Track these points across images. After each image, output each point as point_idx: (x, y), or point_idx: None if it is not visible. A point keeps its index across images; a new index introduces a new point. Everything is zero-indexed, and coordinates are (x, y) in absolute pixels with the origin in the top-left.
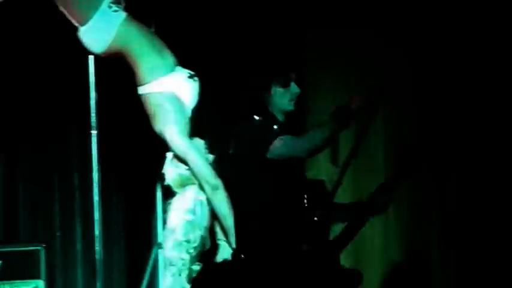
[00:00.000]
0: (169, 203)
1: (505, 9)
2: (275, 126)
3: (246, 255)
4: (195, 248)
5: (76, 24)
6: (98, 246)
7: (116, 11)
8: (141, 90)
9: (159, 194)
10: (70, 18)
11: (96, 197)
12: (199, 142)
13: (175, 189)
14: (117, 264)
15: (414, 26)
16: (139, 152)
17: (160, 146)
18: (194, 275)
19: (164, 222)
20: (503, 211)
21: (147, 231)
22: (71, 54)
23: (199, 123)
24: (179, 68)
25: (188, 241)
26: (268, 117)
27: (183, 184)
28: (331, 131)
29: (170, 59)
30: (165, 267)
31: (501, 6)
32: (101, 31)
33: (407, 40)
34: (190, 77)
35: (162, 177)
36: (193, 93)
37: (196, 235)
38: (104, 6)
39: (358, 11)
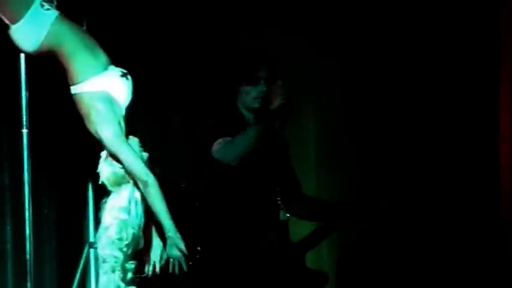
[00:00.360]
0: (105, 202)
1: (431, 11)
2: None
3: (203, 249)
4: (127, 245)
5: (7, 23)
6: (28, 246)
7: (48, 9)
8: (74, 89)
9: (90, 193)
10: (1, 16)
11: (26, 197)
12: (134, 140)
13: (110, 188)
14: (49, 264)
15: (341, 27)
16: (71, 151)
17: (93, 145)
18: (129, 273)
19: (99, 220)
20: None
21: (78, 230)
22: (2, 52)
23: (133, 122)
24: (112, 67)
25: (120, 239)
26: (235, 114)
27: (118, 183)
28: (256, 134)
29: (103, 57)
30: (98, 265)
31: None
32: (32, 29)
33: (334, 41)
34: (123, 75)
35: (97, 176)
36: (126, 91)
37: (129, 233)
38: (36, 4)
39: (282, 13)
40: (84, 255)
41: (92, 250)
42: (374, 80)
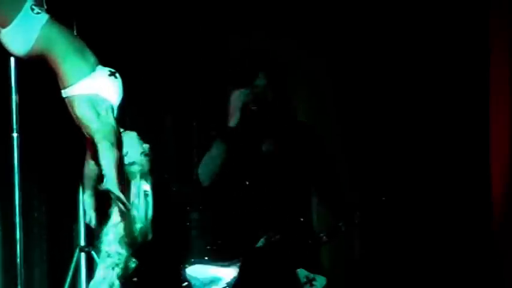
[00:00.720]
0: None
1: (420, 13)
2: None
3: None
4: (134, 239)
5: None
6: (18, 250)
7: (38, 13)
8: (65, 93)
9: (81, 197)
10: None
11: (17, 200)
12: (133, 134)
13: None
14: (39, 268)
15: (331, 29)
16: (61, 154)
17: (84, 148)
18: (130, 272)
19: (89, 224)
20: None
21: (69, 234)
22: None
23: (123, 124)
24: (100, 67)
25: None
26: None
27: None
28: (220, 150)
29: (91, 59)
30: (100, 259)
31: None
32: (23, 33)
33: (324, 43)
34: (111, 74)
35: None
36: (116, 90)
37: (136, 228)
38: (26, 8)
39: (272, 14)
40: (74, 259)
41: (82, 254)
42: (364, 81)
